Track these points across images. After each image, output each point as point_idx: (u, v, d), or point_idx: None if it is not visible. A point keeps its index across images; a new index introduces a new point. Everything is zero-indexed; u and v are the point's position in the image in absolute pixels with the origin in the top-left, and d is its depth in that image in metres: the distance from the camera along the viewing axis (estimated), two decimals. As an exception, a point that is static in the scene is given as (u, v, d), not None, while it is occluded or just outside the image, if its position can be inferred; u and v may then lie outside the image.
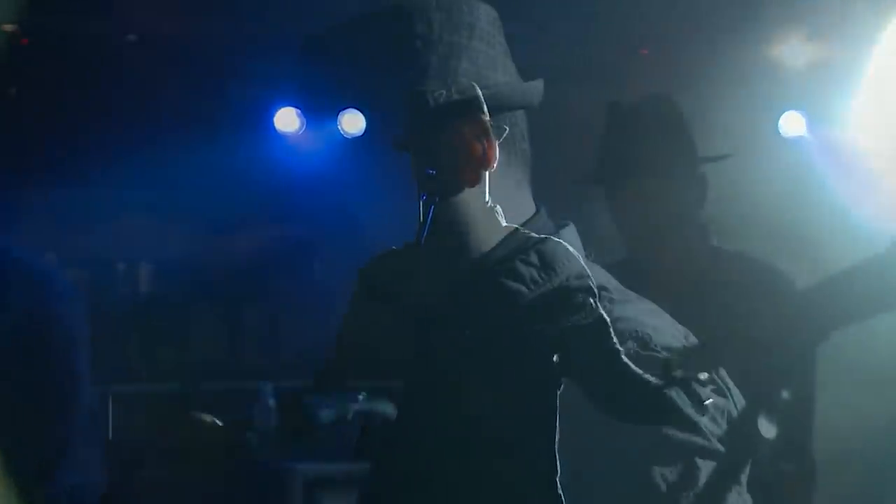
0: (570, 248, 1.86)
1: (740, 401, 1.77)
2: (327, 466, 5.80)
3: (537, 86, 1.89)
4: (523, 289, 1.82)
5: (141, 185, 9.25)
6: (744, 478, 1.72)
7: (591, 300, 1.76)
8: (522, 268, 1.84)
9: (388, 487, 1.92)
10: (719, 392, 1.64)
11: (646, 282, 3.54)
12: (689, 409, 1.61)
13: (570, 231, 1.91)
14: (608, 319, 1.70)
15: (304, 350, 10.26)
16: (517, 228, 1.86)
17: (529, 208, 1.90)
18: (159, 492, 5.95)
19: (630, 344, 1.72)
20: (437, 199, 1.76)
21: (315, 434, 6.48)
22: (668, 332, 1.76)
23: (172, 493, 6.22)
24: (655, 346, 1.72)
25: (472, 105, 1.82)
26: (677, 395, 1.58)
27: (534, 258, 1.84)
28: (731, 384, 1.77)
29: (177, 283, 5.79)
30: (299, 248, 1.87)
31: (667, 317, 1.81)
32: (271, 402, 6.12)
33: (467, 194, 1.83)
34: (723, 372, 1.76)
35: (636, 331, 1.74)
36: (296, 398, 6.55)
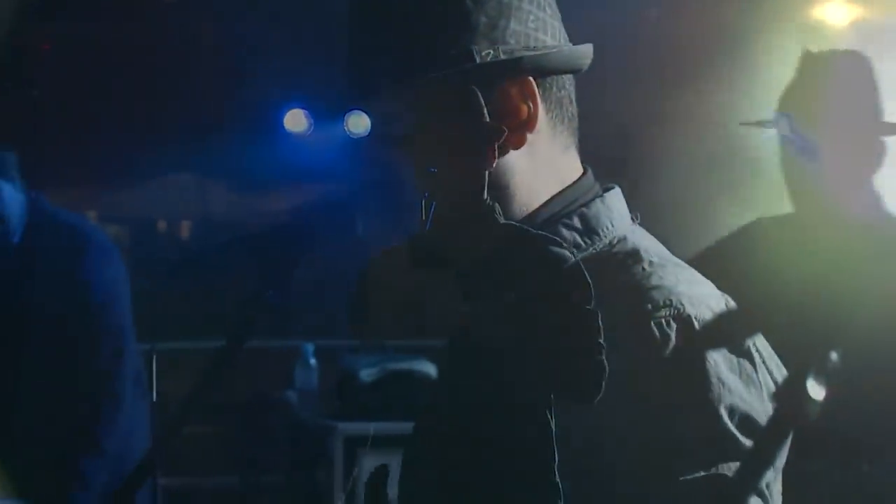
0: (616, 211, 1.86)
1: (779, 369, 1.75)
2: (368, 425, 5.81)
3: (586, 50, 1.88)
4: (566, 253, 1.81)
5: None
6: (780, 462, 1.72)
7: (638, 263, 1.76)
8: (565, 231, 1.83)
9: (422, 446, 1.92)
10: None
11: (808, 240, 3.50)
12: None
13: (616, 194, 1.89)
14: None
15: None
16: (561, 191, 1.85)
17: (577, 172, 1.89)
18: (202, 448, 5.97)
19: (664, 312, 1.70)
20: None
21: (356, 393, 6.52)
22: (704, 301, 1.74)
23: (215, 450, 6.23)
24: (688, 315, 1.70)
25: (519, 66, 1.82)
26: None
27: (576, 222, 1.84)
28: (765, 354, 1.76)
29: (220, 241, 5.82)
30: (343, 207, 1.88)
31: (707, 285, 1.79)
32: (313, 361, 6.14)
33: (512, 156, 1.83)
34: (761, 340, 1.75)
35: (669, 299, 1.72)
36: (338, 358, 6.53)
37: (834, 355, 1.06)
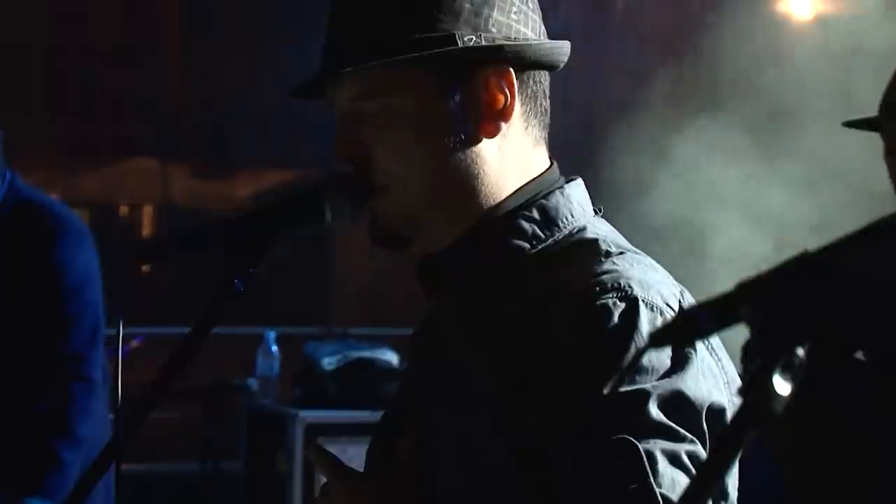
0: (577, 203, 1.86)
1: (728, 360, 1.77)
2: (329, 413, 5.82)
3: (563, 46, 1.88)
4: (525, 245, 1.82)
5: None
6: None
7: (595, 252, 1.76)
8: (524, 223, 1.84)
9: (388, 437, 1.93)
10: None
11: None
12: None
13: (577, 185, 1.90)
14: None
15: (309, 299, 10.31)
16: (526, 183, 1.86)
17: (544, 166, 1.89)
18: (163, 434, 5.96)
19: (611, 295, 1.72)
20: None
21: (317, 380, 6.52)
22: (656, 287, 1.75)
23: (175, 436, 6.22)
24: (635, 297, 1.71)
25: (499, 55, 1.82)
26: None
27: (536, 213, 1.84)
28: (721, 352, 1.77)
29: (182, 227, 5.82)
30: (311, 193, 1.87)
31: (662, 273, 1.80)
32: (274, 348, 6.14)
33: (483, 145, 1.83)
34: (716, 339, 1.76)
35: (618, 282, 1.73)
36: (298, 345, 6.55)
37: (800, 351, 1.06)
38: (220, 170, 10.65)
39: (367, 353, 6.02)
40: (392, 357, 6.03)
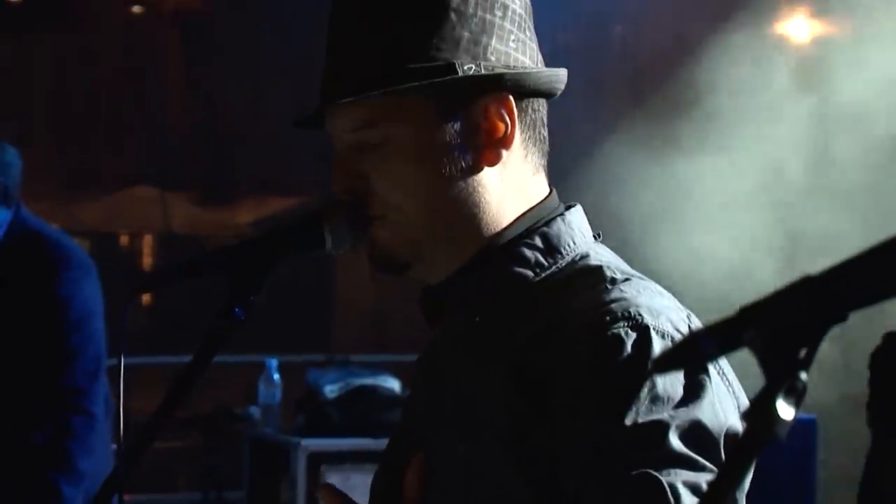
0: (577, 229, 1.86)
1: (737, 383, 1.76)
2: (332, 441, 5.81)
3: (561, 74, 1.88)
4: (529, 273, 1.82)
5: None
6: (746, 481, 1.73)
7: (600, 280, 1.76)
8: (527, 252, 1.83)
9: (395, 464, 1.92)
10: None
11: None
12: None
13: (577, 212, 1.89)
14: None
15: (311, 326, 10.30)
16: (526, 211, 1.86)
17: (544, 194, 1.89)
18: (165, 463, 5.93)
19: (622, 324, 1.71)
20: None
21: (320, 408, 6.50)
22: (665, 314, 1.74)
23: (178, 465, 6.19)
24: (646, 325, 1.71)
25: (499, 83, 1.82)
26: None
27: (538, 241, 1.84)
28: (731, 376, 1.77)
29: (182, 255, 5.83)
30: (312, 222, 1.86)
31: (669, 299, 1.79)
32: (276, 376, 6.13)
33: (484, 173, 1.83)
34: (726, 364, 1.76)
35: (628, 310, 1.72)
36: (300, 373, 6.51)
37: (804, 375, 1.06)
38: (221, 198, 10.66)
39: (369, 381, 6.01)
40: (394, 384, 6.02)
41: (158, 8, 10.68)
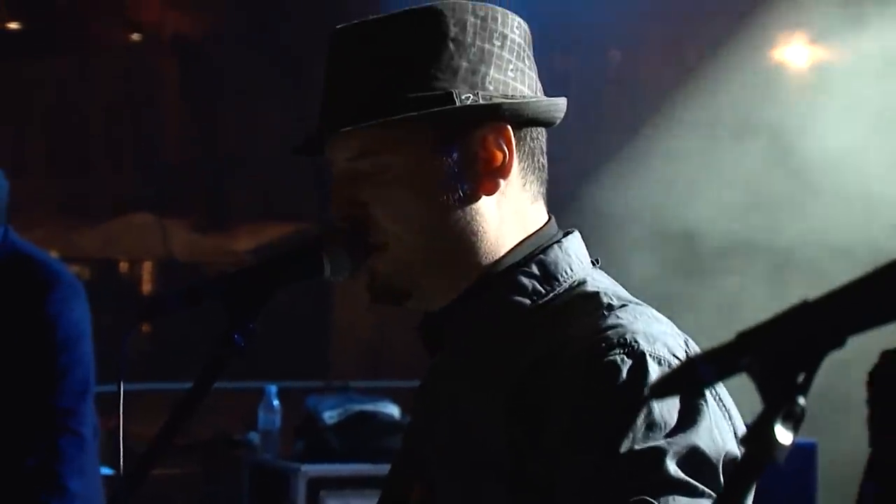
0: (575, 256, 1.87)
1: (734, 408, 1.77)
2: (331, 466, 5.80)
3: (560, 103, 1.89)
4: (526, 301, 1.82)
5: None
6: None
7: (598, 306, 1.76)
8: (524, 279, 1.83)
9: (396, 489, 1.92)
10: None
11: None
12: None
13: (574, 238, 1.90)
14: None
15: (309, 352, 10.30)
16: (524, 239, 1.86)
17: (542, 222, 1.89)
18: (165, 490, 5.92)
19: (618, 351, 1.71)
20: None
21: (319, 434, 6.49)
22: (661, 339, 1.74)
23: (179, 491, 6.18)
24: (642, 352, 1.71)
25: (497, 113, 1.83)
26: None
27: (535, 269, 1.84)
28: (728, 401, 1.77)
29: (181, 281, 5.83)
30: (310, 248, 1.86)
31: (666, 324, 1.79)
32: (276, 402, 6.12)
33: (482, 202, 1.83)
34: (723, 390, 1.76)
35: (624, 337, 1.73)
36: (300, 399, 6.51)
37: (802, 400, 1.06)
38: (220, 224, 10.66)
39: (368, 407, 6.01)
40: (393, 410, 6.02)
41: (157, 35, 10.71)
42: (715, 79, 6.68)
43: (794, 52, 7.28)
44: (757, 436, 1.07)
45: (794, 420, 1.07)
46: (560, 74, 7.00)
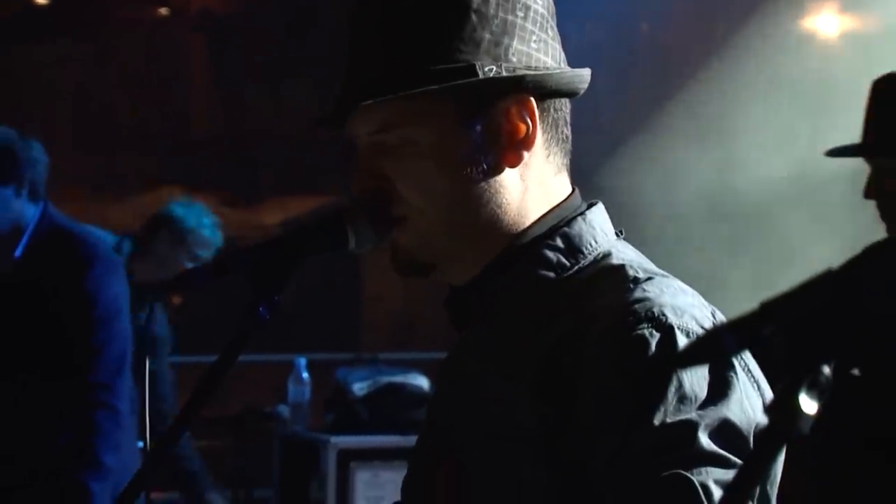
0: (599, 228, 1.87)
1: (763, 380, 1.76)
2: (361, 438, 5.81)
3: (584, 74, 1.87)
4: (551, 275, 1.82)
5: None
6: (775, 474, 1.72)
7: (623, 279, 1.75)
8: (549, 253, 1.82)
9: (420, 462, 1.92)
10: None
11: None
12: None
13: (598, 210, 1.89)
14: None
15: (339, 325, 10.31)
16: (548, 212, 1.85)
17: (566, 193, 1.88)
18: (184, 457, 5.93)
19: (646, 325, 1.71)
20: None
21: (349, 406, 6.50)
22: (689, 312, 1.73)
23: (208, 463, 6.21)
24: (670, 325, 1.70)
25: (520, 85, 1.81)
26: None
27: (559, 242, 1.83)
28: (757, 373, 1.76)
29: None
30: (335, 220, 1.87)
31: (693, 296, 1.78)
32: (305, 375, 6.14)
33: (506, 175, 1.82)
34: (749, 358, 1.75)
35: (652, 311, 1.72)
36: (329, 371, 6.53)
37: (826, 369, 1.06)
38: (248, 198, 10.67)
39: (397, 379, 6.02)
40: (423, 382, 6.02)
41: (184, 11, 10.71)
42: (745, 48, 6.65)
43: (824, 21, 7.23)
44: (782, 405, 1.07)
45: (819, 390, 1.06)
46: (589, 45, 6.98)
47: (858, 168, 3.50)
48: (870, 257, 3.39)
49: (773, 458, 1.10)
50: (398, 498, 1.93)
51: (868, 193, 3.40)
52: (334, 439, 5.81)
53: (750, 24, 6.75)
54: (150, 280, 5.20)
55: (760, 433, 1.07)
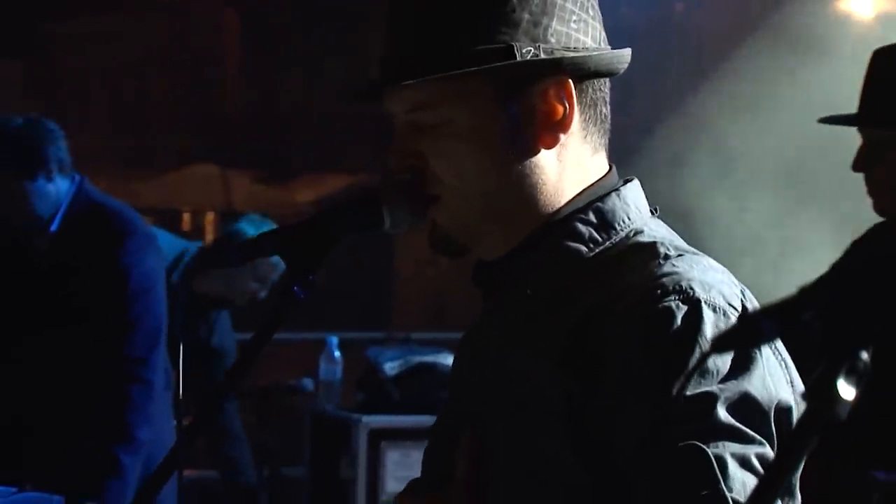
0: (633, 204, 1.86)
1: (794, 371, 1.75)
2: (392, 418, 5.82)
3: (624, 54, 1.87)
4: (582, 248, 1.82)
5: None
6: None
7: (654, 255, 1.75)
8: (581, 227, 1.82)
9: (440, 439, 1.92)
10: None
11: None
12: None
13: (633, 187, 1.88)
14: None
15: (370, 303, 10.33)
16: (584, 189, 1.85)
17: (603, 172, 1.88)
18: (228, 438, 5.97)
19: (673, 297, 1.71)
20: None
21: (380, 385, 6.51)
22: (717, 288, 1.73)
23: (242, 439, 6.20)
24: (697, 299, 1.70)
25: (558, 67, 1.80)
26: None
27: (592, 216, 1.83)
28: (784, 352, 1.76)
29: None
30: (370, 200, 1.87)
31: (723, 273, 1.78)
32: (337, 354, 6.15)
33: (542, 155, 1.82)
34: (778, 343, 1.75)
35: (680, 284, 1.71)
36: (361, 350, 6.54)
37: (865, 354, 1.05)
38: (280, 176, 10.69)
39: (429, 358, 6.01)
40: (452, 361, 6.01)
41: (218, -13, 10.73)
42: (778, 29, 6.61)
43: (859, 1, 7.19)
44: (819, 391, 1.06)
45: (858, 375, 1.05)
46: (624, 25, 6.95)
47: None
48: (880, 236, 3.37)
49: (810, 444, 1.09)
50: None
51: (856, 165, 3.37)
52: (365, 419, 5.82)
53: (783, 3, 6.71)
54: (212, 292, 5.14)
55: (799, 419, 1.06)
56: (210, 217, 11.14)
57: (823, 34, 6.67)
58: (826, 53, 6.52)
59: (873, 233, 3.46)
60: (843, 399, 1.06)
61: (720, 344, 1.13)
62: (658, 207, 1.90)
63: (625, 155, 1.95)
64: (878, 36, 6.68)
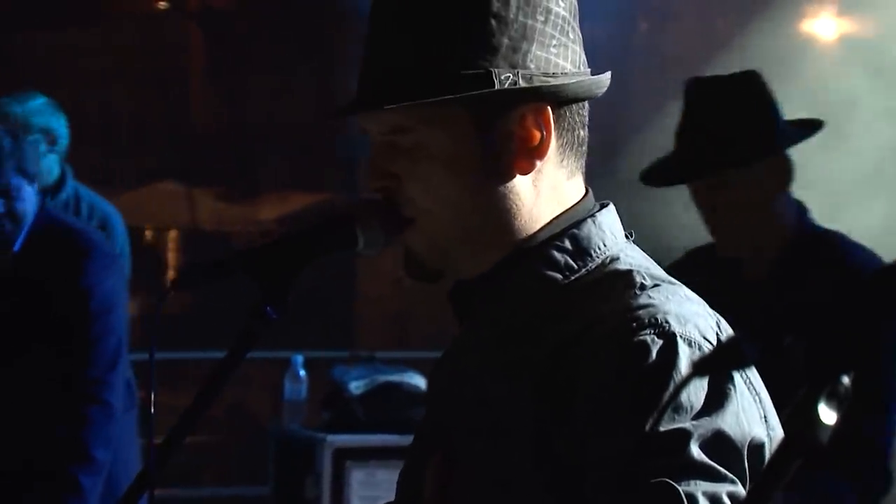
0: (608, 231, 1.86)
1: (767, 403, 1.75)
2: (357, 437, 5.81)
3: (603, 79, 1.86)
4: (558, 276, 1.81)
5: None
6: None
7: (629, 284, 1.74)
8: (556, 254, 1.81)
9: (416, 459, 1.91)
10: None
11: (731, 270, 3.35)
12: None
13: (608, 212, 1.87)
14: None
15: (335, 323, 10.31)
16: (559, 215, 1.84)
17: (579, 196, 1.87)
18: (195, 458, 5.91)
19: (648, 331, 1.70)
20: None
21: (345, 405, 6.50)
22: (693, 321, 1.72)
23: (206, 459, 6.16)
24: (672, 333, 1.69)
25: (537, 94, 1.79)
26: None
27: (567, 243, 1.82)
28: (758, 385, 1.76)
29: (207, 250, 5.84)
30: (343, 220, 1.86)
31: (698, 304, 1.77)
32: (302, 373, 6.13)
33: (517, 181, 1.81)
34: (752, 371, 1.74)
35: (655, 317, 1.70)
36: (325, 369, 6.52)
37: (846, 379, 1.05)
38: (246, 193, 10.67)
39: (394, 378, 6.00)
40: (419, 381, 6.00)
41: (183, 3, 10.70)
42: (743, 50, 6.64)
43: (822, 24, 7.23)
44: (800, 415, 1.06)
45: (839, 399, 1.05)
46: (588, 43, 6.98)
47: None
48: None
49: (790, 469, 1.09)
50: (393, 498, 1.92)
51: (698, 205, 3.39)
52: (330, 438, 5.80)
53: (749, 25, 6.75)
54: None
55: (779, 443, 1.06)
56: (173, 234, 11.10)
57: (786, 56, 6.70)
58: (789, 75, 6.55)
59: (688, 258, 3.46)
60: (824, 423, 1.06)
61: (699, 369, 1.12)
62: (633, 232, 1.89)
63: (588, 175, 1.94)
64: (841, 58, 6.72)
